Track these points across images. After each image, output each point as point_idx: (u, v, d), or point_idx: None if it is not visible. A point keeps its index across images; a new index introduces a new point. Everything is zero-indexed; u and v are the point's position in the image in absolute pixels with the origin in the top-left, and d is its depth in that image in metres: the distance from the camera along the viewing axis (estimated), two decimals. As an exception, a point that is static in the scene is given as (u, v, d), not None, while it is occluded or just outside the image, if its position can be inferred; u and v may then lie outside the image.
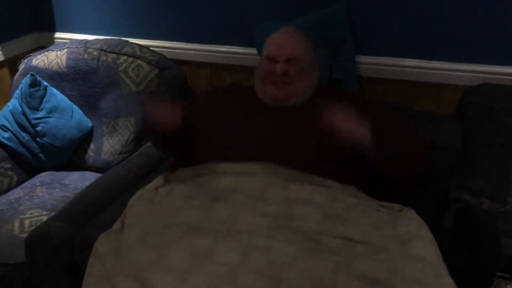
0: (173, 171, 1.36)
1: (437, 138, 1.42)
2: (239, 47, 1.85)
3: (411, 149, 1.23)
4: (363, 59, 1.64)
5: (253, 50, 1.78)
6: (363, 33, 1.62)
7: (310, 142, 1.25)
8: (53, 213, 1.49)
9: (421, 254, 1.05)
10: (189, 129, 1.34)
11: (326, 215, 1.09)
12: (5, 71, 2.09)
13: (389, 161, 1.17)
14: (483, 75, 1.49)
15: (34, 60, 1.96)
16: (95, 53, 1.89)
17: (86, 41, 1.96)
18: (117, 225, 1.24)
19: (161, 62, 1.86)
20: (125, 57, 1.86)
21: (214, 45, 1.89)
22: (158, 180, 1.34)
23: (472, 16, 1.47)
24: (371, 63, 1.64)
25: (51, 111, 1.84)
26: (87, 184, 1.67)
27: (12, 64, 2.06)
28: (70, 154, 1.90)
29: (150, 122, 1.28)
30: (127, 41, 1.94)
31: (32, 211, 1.60)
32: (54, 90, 1.89)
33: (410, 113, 1.52)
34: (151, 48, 1.91)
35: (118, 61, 1.86)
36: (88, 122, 1.91)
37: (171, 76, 1.85)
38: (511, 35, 1.44)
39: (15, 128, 1.82)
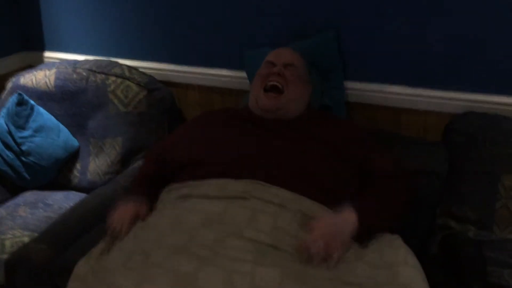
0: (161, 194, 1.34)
1: (423, 163, 1.43)
2: (229, 70, 1.86)
3: (395, 196, 1.24)
4: (351, 85, 1.66)
5: (243, 74, 1.79)
6: (351, 60, 1.64)
7: (301, 161, 1.25)
8: (36, 234, 1.45)
9: (408, 282, 1.04)
10: (171, 162, 1.37)
11: None
12: (-8, 89, 2.08)
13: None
14: (469, 103, 1.51)
15: (22, 79, 1.95)
16: (84, 74, 1.89)
17: (75, 61, 1.96)
18: (99, 247, 1.22)
19: (150, 83, 1.86)
20: (114, 78, 1.86)
21: (203, 68, 1.90)
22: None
23: (458, 45, 1.50)
24: (359, 89, 1.65)
25: (37, 130, 1.82)
26: (71, 204, 1.65)
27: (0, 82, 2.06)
28: (55, 174, 1.88)
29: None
30: (116, 62, 1.94)
31: (14, 232, 1.57)
32: (41, 109, 1.88)
33: (396, 139, 1.53)
34: (140, 70, 1.92)
35: (107, 82, 1.86)
36: (74, 142, 1.89)
37: (160, 98, 1.85)
38: (496, 64, 1.47)
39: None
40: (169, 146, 1.44)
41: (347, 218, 1.13)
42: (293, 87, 1.40)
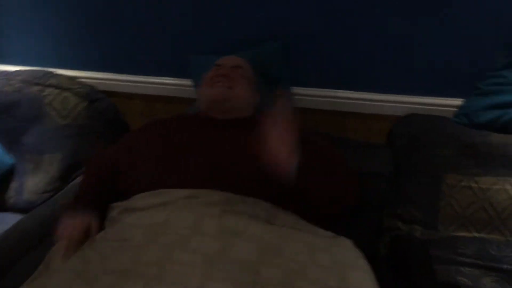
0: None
1: (369, 165, 1.45)
2: (173, 78, 1.81)
3: (341, 177, 1.23)
4: (297, 90, 1.66)
5: (187, 81, 1.75)
6: (298, 67, 1.65)
7: (247, 162, 1.22)
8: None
9: (359, 285, 1.04)
10: (117, 174, 1.31)
11: (262, 247, 1.06)
12: None
13: (315, 186, 1.16)
14: (411, 106, 1.55)
15: None
16: (17, 85, 1.78)
17: (6, 73, 1.85)
18: (39, 271, 1.14)
19: (90, 94, 1.78)
20: (51, 89, 1.77)
21: (146, 76, 1.84)
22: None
23: (400, 50, 1.54)
24: (305, 95, 1.66)
25: (-34, 148, 1.70)
26: (7, 227, 1.54)
27: None
28: (-12, 194, 1.75)
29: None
30: (53, 72, 1.84)
31: None
32: (-30, 125, 1.75)
33: (342, 141, 1.54)
34: (80, 80, 1.83)
35: (43, 94, 1.76)
36: (8, 159, 1.77)
37: (101, 109, 1.77)
38: (436, 67, 1.52)
39: None
40: (114, 156, 1.38)
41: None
42: (241, 86, 1.40)
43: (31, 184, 1.73)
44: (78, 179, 1.63)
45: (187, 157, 1.25)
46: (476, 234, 1.32)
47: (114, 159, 1.37)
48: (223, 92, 1.37)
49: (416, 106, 1.55)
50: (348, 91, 1.63)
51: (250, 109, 1.43)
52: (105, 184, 1.33)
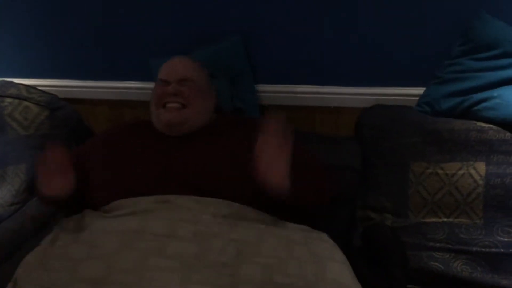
0: (72, 217, 1.24)
1: (337, 159, 1.47)
2: (137, 82, 1.79)
3: (316, 179, 1.24)
4: (262, 87, 1.67)
5: (151, 84, 1.73)
6: (259, 63, 1.65)
7: (213, 166, 1.22)
8: None
9: (337, 277, 1.05)
10: (82, 177, 1.26)
11: (239, 246, 1.06)
12: None
13: (296, 194, 1.16)
14: (376, 97, 1.57)
15: None
16: (-26, 97, 1.71)
17: (-38, 85, 1.78)
18: (9, 286, 1.10)
19: (51, 102, 1.73)
20: (10, 100, 1.71)
21: (110, 81, 1.81)
22: (55, 232, 1.22)
23: (361, 43, 1.56)
24: (270, 91, 1.67)
25: None
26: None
27: None
28: (-50, 211, 1.69)
29: (41, 193, 1.17)
30: (11, 81, 1.78)
31: None
32: None
33: (310, 137, 1.55)
34: (40, 88, 1.78)
35: (2, 105, 1.70)
36: (-30, 174, 1.71)
37: (64, 117, 1.73)
38: (397, 58, 1.55)
39: None
40: (77, 162, 1.33)
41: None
42: (194, 102, 1.33)
43: (-5, 198, 1.68)
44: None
45: (149, 166, 1.23)
46: (445, 219, 1.35)
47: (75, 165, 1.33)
48: (176, 115, 1.30)
49: (381, 97, 1.57)
50: (312, 86, 1.64)
51: (206, 118, 1.37)
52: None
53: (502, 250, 1.30)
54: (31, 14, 1.79)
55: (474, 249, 1.31)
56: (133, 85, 1.80)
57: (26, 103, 1.70)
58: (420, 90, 1.53)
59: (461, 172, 1.34)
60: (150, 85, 1.73)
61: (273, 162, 1.05)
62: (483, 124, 1.36)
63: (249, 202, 1.16)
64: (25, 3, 1.78)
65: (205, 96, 1.38)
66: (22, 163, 1.67)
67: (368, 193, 1.44)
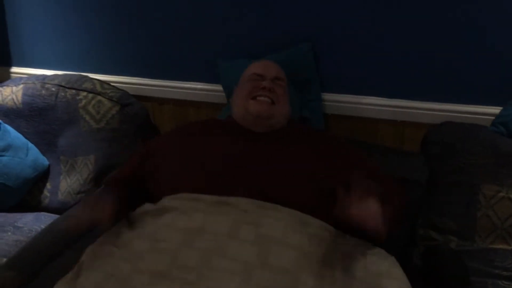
0: (134, 212, 1.28)
1: (403, 172, 1.42)
2: (203, 83, 1.82)
3: (397, 203, 1.21)
4: (328, 96, 1.65)
5: (218, 87, 1.76)
6: (328, 72, 1.64)
7: (283, 171, 1.21)
8: (4, 260, 1.38)
9: None
10: (147, 175, 1.30)
11: (301, 255, 1.05)
12: (-45, 107, 1.98)
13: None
14: (445, 113, 1.51)
15: (-13, 96, 1.87)
16: (53, 89, 1.82)
17: (43, 76, 1.89)
18: (73, 271, 1.15)
19: (122, 98, 1.80)
20: (85, 93, 1.80)
21: (177, 81, 1.86)
22: (118, 226, 1.27)
23: (432, 58, 1.51)
24: (336, 101, 1.65)
25: (4, 149, 1.74)
26: (42, 226, 1.57)
27: (-37, 99, 1.96)
28: (24, 195, 1.79)
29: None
30: (87, 76, 1.88)
31: (-20, 258, 1.48)
32: (8, 127, 1.79)
33: (374, 148, 1.52)
34: (112, 84, 1.86)
35: (77, 97, 1.79)
36: (44, 161, 1.81)
37: (133, 113, 1.80)
38: (469, 75, 1.49)
39: (-36, 167, 1.71)
40: (147, 155, 1.37)
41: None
42: (282, 103, 1.36)
43: (65, 185, 1.77)
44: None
45: (220, 164, 1.24)
46: (515, 247, 1.28)
47: (149, 159, 1.36)
48: (266, 108, 1.32)
49: (452, 114, 1.51)
50: (380, 98, 1.60)
51: (285, 122, 1.39)
52: (136, 178, 1.33)
53: None
54: (108, 15, 1.88)
55: (545, 281, 1.23)
56: (198, 86, 1.84)
57: (99, 97, 1.78)
58: (495, 109, 1.46)
59: (536, 199, 1.27)
60: (214, 87, 1.78)
61: (368, 208, 1.03)
62: (562, 150, 1.28)
63: (312, 213, 1.15)
64: (100, 3, 1.87)
65: (288, 100, 1.41)
66: (91, 154, 1.75)
67: (432, 212, 1.38)
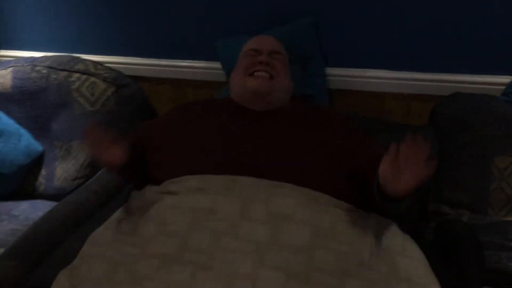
0: (135, 195, 1.23)
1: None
2: (202, 62, 1.76)
3: None
4: (331, 71, 1.60)
5: (217, 64, 1.70)
6: (331, 45, 1.58)
7: (289, 150, 1.18)
8: (2, 249, 1.33)
9: (409, 274, 0.99)
10: (148, 149, 1.25)
11: (314, 231, 1.01)
12: None
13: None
14: (454, 85, 1.47)
15: (-26, 81, 1.79)
16: (44, 71, 1.75)
17: (33, 59, 1.81)
18: (77, 261, 1.10)
19: (117, 79, 1.74)
20: (77, 75, 1.73)
21: (174, 60, 1.80)
22: (120, 211, 1.22)
23: (440, 25, 1.46)
24: (340, 75, 1.60)
25: (-4, 135, 1.68)
26: (39, 214, 1.51)
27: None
28: (19, 182, 1.73)
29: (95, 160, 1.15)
30: (79, 57, 1.81)
31: (-24, 248, 1.43)
32: (-1, 113, 1.73)
33: (381, 124, 1.48)
34: (106, 65, 1.79)
35: (70, 79, 1.73)
36: (38, 146, 1.75)
37: (129, 94, 1.74)
38: (481, 43, 1.44)
39: (-46, 156, 1.64)
40: (148, 135, 1.31)
41: None
42: (282, 77, 1.31)
43: (61, 171, 1.72)
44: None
45: (225, 145, 1.19)
46: (529, 219, 1.26)
47: (149, 139, 1.31)
48: (264, 83, 1.27)
49: (460, 85, 1.47)
50: (385, 71, 1.55)
51: (287, 99, 1.35)
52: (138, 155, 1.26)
53: None
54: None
55: (560, 252, 1.21)
56: (196, 65, 1.78)
57: (93, 78, 1.72)
58: (506, 79, 1.42)
59: (550, 169, 1.24)
60: (214, 64, 1.72)
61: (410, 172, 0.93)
62: None
63: (323, 190, 1.11)
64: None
65: (288, 75, 1.36)
66: (87, 138, 1.69)
67: (443, 187, 1.35)
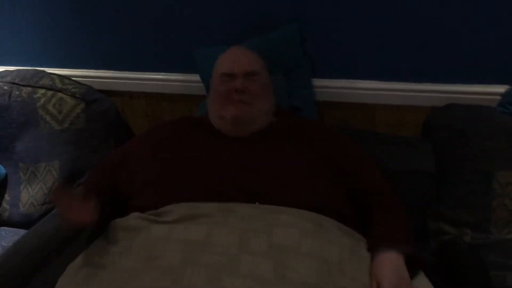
0: (118, 222, 1.11)
1: (408, 162, 1.32)
2: (179, 74, 1.65)
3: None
4: (318, 82, 1.51)
5: (195, 77, 1.59)
6: (317, 55, 1.49)
7: (281, 172, 1.09)
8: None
9: None
10: (122, 176, 1.17)
11: (321, 265, 0.92)
12: None
13: None
14: (447, 95, 1.41)
15: None
16: (6, 88, 1.62)
17: (-7, 73, 1.67)
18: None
19: (87, 94, 1.62)
20: (43, 91, 1.60)
21: (149, 73, 1.68)
22: (99, 240, 1.09)
23: (434, 35, 1.39)
24: (328, 87, 1.51)
25: (-48, 159, 1.52)
26: (4, 243, 1.40)
27: None
28: (-21, 209, 1.58)
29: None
30: (43, 71, 1.68)
31: None
32: (-45, 134, 1.57)
33: (374, 137, 1.40)
34: (74, 79, 1.66)
35: (35, 96, 1.60)
36: (0, 169, 1.60)
37: (100, 110, 1.61)
38: (475, 52, 1.38)
39: None
40: (121, 162, 1.22)
41: (397, 259, 0.98)
42: (262, 101, 1.21)
43: (26, 195, 1.58)
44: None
45: (214, 170, 1.10)
46: (535, 237, 1.20)
47: (122, 167, 1.21)
48: (242, 112, 1.17)
49: (453, 96, 1.40)
50: (376, 81, 1.48)
51: (269, 118, 1.25)
52: (111, 186, 1.18)
53: None
54: (66, 2, 1.66)
55: None
56: (173, 77, 1.66)
57: (60, 94, 1.60)
58: (500, 88, 1.36)
59: (554, 183, 1.19)
60: (192, 77, 1.61)
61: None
62: None
63: (321, 210, 1.02)
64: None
65: (268, 94, 1.26)
66: (55, 160, 1.57)
67: (443, 204, 1.28)
